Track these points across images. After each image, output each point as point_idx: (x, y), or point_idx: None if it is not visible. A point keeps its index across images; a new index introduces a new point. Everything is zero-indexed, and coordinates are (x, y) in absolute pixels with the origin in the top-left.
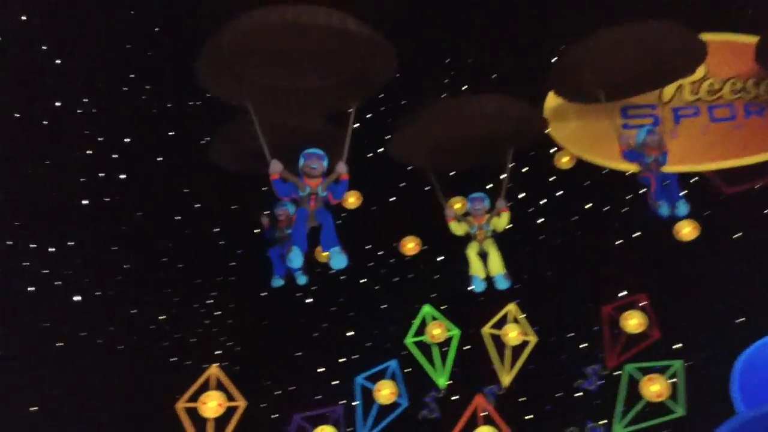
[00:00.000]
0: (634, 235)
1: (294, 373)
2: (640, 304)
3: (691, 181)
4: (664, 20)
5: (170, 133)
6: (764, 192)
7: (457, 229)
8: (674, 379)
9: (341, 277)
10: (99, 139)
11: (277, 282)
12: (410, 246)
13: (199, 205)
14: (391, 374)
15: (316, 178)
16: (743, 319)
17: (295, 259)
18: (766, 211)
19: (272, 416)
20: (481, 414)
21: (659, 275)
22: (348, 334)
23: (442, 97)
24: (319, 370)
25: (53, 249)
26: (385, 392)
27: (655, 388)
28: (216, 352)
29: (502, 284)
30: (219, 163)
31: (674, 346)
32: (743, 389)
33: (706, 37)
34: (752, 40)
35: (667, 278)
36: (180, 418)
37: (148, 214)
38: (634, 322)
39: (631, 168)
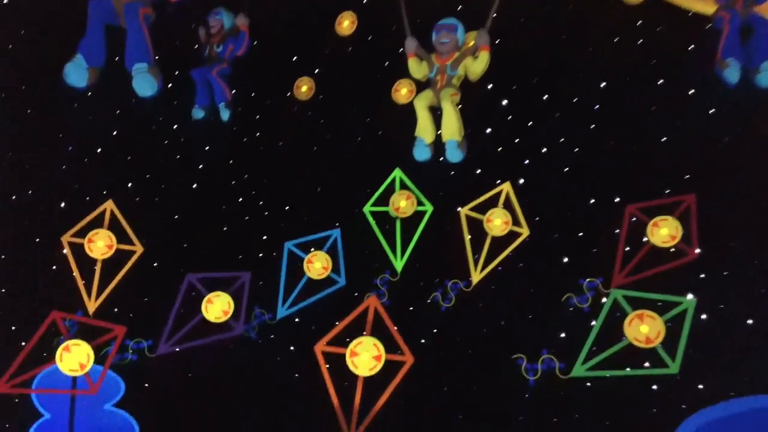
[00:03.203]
0: (710, 112)
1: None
2: (681, 209)
3: None
4: None
5: None
6: None
7: (416, 70)
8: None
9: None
10: None
11: (197, 113)
12: (404, 92)
13: None
14: (330, 245)
15: None
16: None
17: None
18: None
19: (172, 272)
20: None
21: (726, 174)
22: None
23: None
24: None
25: None
26: (317, 265)
27: (644, 328)
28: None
29: (453, 155)
30: None
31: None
32: None
33: None
34: None
35: (738, 180)
36: None
37: None
38: (663, 231)
39: None
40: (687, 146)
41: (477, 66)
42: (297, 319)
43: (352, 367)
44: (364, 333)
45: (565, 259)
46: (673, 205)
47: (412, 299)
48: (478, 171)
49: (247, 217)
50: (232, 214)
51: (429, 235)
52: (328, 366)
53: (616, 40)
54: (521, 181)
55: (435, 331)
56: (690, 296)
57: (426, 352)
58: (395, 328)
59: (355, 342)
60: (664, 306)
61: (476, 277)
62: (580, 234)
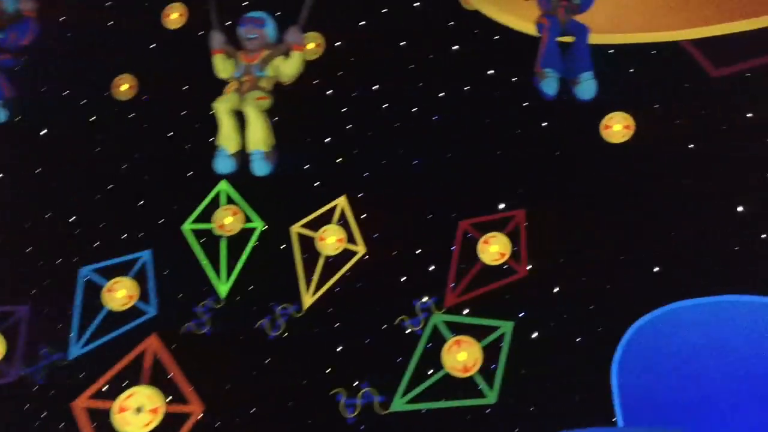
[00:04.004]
0: (543, 124)
1: None
2: (511, 225)
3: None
4: None
5: None
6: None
7: (222, 69)
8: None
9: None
10: None
11: None
12: None
13: None
14: (138, 270)
15: None
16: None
17: None
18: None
19: None
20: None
21: (559, 188)
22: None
23: None
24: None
25: None
26: (120, 294)
27: (462, 356)
28: None
29: (259, 168)
30: None
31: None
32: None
33: None
34: None
35: (571, 194)
36: None
37: None
38: (493, 249)
39: None
40: (518, 160)
41: (288, 67)
42: (96, 358)
43: (120, 425)
44: (141, 381)
45: (403, 279)
46: (503, 221)
47: (237, 328)
48: (317, 184)
49: (33, 239)
50: (14, 235)
51: (259, 255)
52: (95, 425)
53: (453, 48)
54: (360, 195)
55: (259, 364)
56: (508, 321)
57: (239, 392)
58: (184, 371)
59: (124, 395)
60: (483, 330)
61: (308, 300)
62: (418, 251)
